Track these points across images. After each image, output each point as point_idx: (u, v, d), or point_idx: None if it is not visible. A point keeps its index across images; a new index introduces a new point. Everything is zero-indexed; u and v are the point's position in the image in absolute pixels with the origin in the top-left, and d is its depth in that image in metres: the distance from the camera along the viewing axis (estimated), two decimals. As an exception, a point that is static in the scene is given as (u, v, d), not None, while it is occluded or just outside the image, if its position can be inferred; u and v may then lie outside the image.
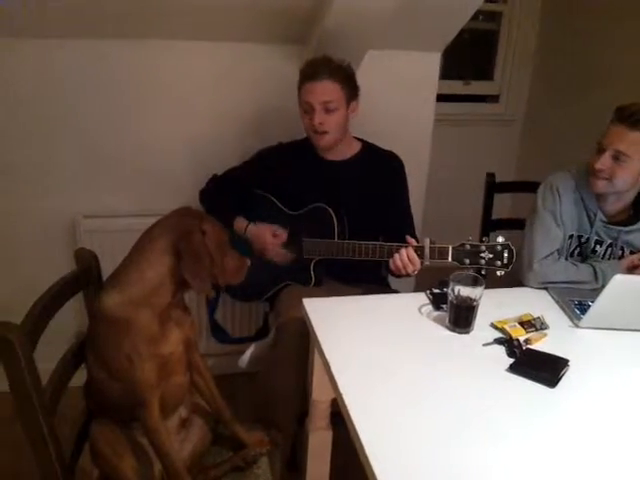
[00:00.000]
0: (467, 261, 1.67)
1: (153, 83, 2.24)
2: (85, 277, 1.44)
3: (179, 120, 2.32)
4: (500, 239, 1.66)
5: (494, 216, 2.39)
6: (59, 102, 2.18)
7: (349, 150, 2.05)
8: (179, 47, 2.20)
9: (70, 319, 1.63)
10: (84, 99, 2.20)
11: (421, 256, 1.72)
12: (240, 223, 2.01)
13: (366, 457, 1.05)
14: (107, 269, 1.39)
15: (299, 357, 1.69)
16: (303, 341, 1.63)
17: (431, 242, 1.71)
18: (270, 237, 1.98)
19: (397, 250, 1.74)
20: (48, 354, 1.32)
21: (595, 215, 1.81)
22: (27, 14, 1.92)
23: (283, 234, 1.99)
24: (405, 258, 1.72)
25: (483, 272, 1.67)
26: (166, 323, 1.30)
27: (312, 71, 1.88)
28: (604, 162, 1.70)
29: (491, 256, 1.65)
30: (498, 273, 1.66)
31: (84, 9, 1.92)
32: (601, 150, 1.71)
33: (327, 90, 1.87)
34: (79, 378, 1.37)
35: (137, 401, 1.26)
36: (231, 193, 2.05)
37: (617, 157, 1.68)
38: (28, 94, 2.15)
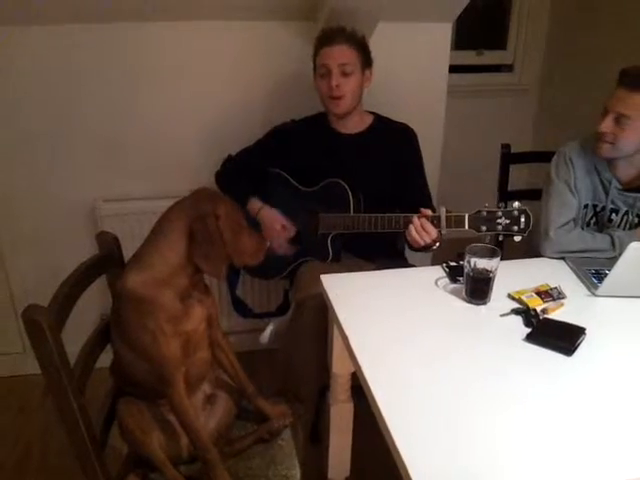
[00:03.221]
0: (484, 228, 1.65)
1: (166, 66, 2.25)
2: (107, 259, 1.46)
3: (193, 102, 2.33)
4: (516, 204, 1.64)
5: (511, 187, 2.37)
6: (75, 89, 2.20)
7: (362, 123, 2.05)
8: (190, 28, 2.20)
9: (94, 302, 1.67)
10: (99, 85, 2.21)
11: (438, 225, 1.70)
12: (253, 205, 2.02)
13: (386, 427, 1.07)
14: (128, 251, 1.42)
15: (319, 331, 1.71)
16: (322, 316, 1.65)
17: (447, 211, 1.70)
18: (278, 228, 1.99)
19: (411, 221, 1.73)
20: (74, 338, 1.35)
21: (610, 183, 1.80)
22: (36, 2, 1.93)
23: (291, 228, 2.01)
24: (419, 227, 1.71)
25: (500, 238, 1.66)
26: (187, 302, 1.33)
27: (329, 36, 1.92)
28: (607, 125, 1.70)
29: (508, 221, 1.64)
30: (516, 238, 1.65)
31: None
32: (605, 113, 1.71)
33: (344, 53, 1.90)
34: (105, 360, 1.41)
35: (163, 378, 1.30)
36: (246, 173, 2.05)
37: (619, 120, 1.67)
38: (43, 82, 2.17)
